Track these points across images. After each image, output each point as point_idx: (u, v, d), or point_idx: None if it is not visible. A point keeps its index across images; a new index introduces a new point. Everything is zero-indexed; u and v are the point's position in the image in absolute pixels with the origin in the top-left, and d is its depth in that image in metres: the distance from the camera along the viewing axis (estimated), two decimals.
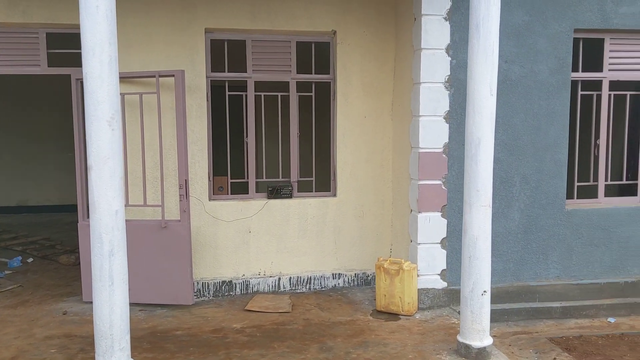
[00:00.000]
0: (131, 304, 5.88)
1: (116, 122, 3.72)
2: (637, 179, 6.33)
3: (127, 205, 5.83)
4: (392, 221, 6.54)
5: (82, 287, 5.92)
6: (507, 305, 5.89)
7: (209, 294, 6.21)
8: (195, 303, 5.96)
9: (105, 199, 3.74)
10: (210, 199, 6.20)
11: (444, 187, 5.77)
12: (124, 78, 5.68)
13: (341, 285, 6.52)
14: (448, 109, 5.67)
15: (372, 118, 6.43)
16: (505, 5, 5.65)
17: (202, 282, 6.20)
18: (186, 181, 5.67)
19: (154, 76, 5.64)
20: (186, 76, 5.92)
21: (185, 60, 5.96)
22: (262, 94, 6.39)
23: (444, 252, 5.84)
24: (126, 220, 5.74)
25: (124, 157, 5.83)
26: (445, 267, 5.85)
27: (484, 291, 4.54)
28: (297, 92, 6.35)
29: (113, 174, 3.75)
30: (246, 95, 6.24)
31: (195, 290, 6.16)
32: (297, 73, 6.32)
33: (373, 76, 6.37)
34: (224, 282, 6.25)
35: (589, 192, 6.31)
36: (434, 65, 5.60)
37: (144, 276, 5.76)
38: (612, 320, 5.88)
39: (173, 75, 5.61)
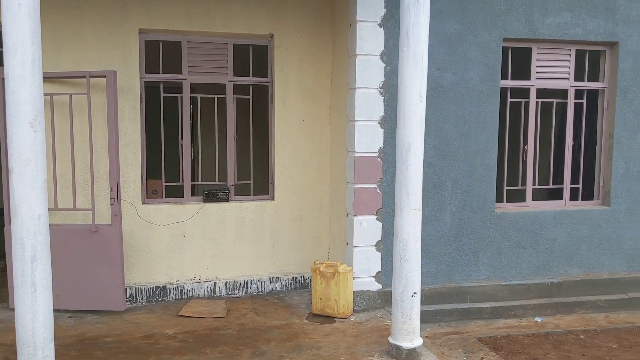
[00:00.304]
0: (61, 311, 5.75)
1: (39, 124, 3.60)
2: (562, 184, 6.60)
3: (55, 209, 5.67)
4: (330, 224, 6.59)
5: (9, 294, 5.70)
6: (440, 306, 6.03)
7: (142, 299, 6.08)
8: (127, 309, 5.83)
9: (27, 202, 3.61)
10: (143, 203, 6.09)
11: (379, 191, 5.86)
12: (52, 78, 5.52)
13: (279, 289, 6.51)
14: (383, 114, 5.76)
15: (310, 121, 6.46)
16: (438, 14, 5.80)
17: (135, 288, 6.07)
18: (117, 184, 5.54)
19: (84, 76, 5.50)
20: (119, 77, 5.79)
21: (118, 61, 5.82)
22: (199, 95, 6.32)
23: (379, 254, 5.92)
24: (55, 225, 5.63)
25: (53, 159, 5.68)
26: (380, 270, 5.93)
27: (414, 293, 4.63)
28: (234, 94, 6.31)
29: (35, 177, 3.62)
30: (182, 97, 6.16)
31: (128, 296, 6.02)
32: (234, 75, 6.29)
33: (311, 80, 6.40)
34: (157, 287, 6.14)
35: (518, 196, 6.54)
36: (368, 71, 5.68)
37: (74, 282, 5.60)
38: (538, 319, 6.10)
39: (104, 76, 5.48)
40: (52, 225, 5.64)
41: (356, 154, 5.76)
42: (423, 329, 5.45)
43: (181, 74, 6.12)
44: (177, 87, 6.19)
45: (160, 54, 6.12)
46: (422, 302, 5.93)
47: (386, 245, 5.89)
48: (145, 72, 6.05)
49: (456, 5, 5.86)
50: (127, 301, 5.96)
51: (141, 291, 6.09)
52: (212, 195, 6.24)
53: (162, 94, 6.20)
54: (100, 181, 5.87)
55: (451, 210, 6.10)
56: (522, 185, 6.50)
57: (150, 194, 6.39)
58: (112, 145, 5.50)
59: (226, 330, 5.27)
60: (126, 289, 5.98)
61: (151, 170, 6.44)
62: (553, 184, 6.73)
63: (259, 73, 6.43)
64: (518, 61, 6.35)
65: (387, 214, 5.87)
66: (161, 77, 6.11)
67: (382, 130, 5.78)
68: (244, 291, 6.38)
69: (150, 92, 6.21)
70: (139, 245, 6.07)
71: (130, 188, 6.00)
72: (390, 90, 5.71)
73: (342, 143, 6.09)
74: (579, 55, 6.46)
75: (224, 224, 6.27)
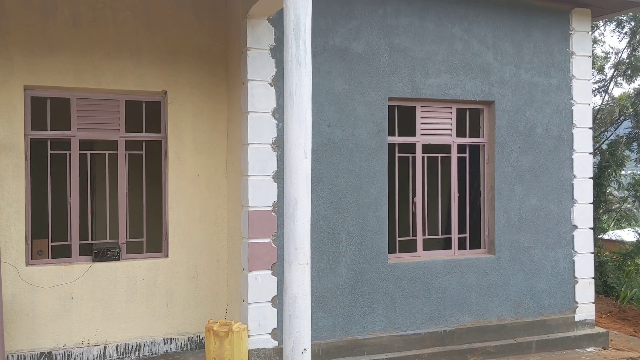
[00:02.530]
0: None
1: None
2: (450, 234, 6.92)
3: None
4: (228, 281, 6.52)
5: None
6: None
7: None
8: None
9: None
10: (27, 264, 5.79)
11: (274, 245, 5.90)
12: None
13: (174, 350, 6.31)
14: (276, 168, 5.87)
15: (206, 176, 6.46)
16: (327, 74, 6.06)
17: (18, 355, 5.70)
18: None
19: None
20: (2, 134, 5.60)
21: (1, 118, 5.62)
22: (88, 152, 6.18)
23: (275, 310, 5.91)
24: None
25: None
26: (276, 326, 5.91)
27: (304, 349, 4.62)
28: (126, 150, 6.23)
29: None
30: (70, 154, 6.00)
31: None
32: (126, 132, 6.22)
33: (206, 135, 6.44)
34: (42, 353, 5.79)
35: (410, 247, 6.77)
36: (261, 127, 5.81)
37: None
38: None
39: None
40: None
41: (250, 209, 5.79)
42: None
43: (70, 130, 5.99)
44: (66, 143, 6.03)
45: (48, 111, 5.97)
46: (319, 357, 5.98)
47: (282, 300, 5.87)
48: (32, 129, 5.87)
49: (344, 66, 6.15)
50: None
51: (24, 358, 5.73)
52: (102, 254, 6.03)
53: (49, 151, 6.02)
54: None
55: (346, 262, 6.22)
56: (413, 236, 6.75)
57: (35, 255, 6.09)
58: None
59: None
60: (7, 357, 5.59)
61: (37, 230, 6.17)
62: (442, 234, 7.03)
63: (153, 129, 6.40)
64: (404, 118, 6.70)
65: (282, 269, 5.88)
66: (49, 134, 5.95)
67: (276, 184, 5.88)
68: (137, 354, 6.13)
69: (37, 148, 6.02)
70: (23, 309, 5.74)
71: (13, 249, 5.71)
72: (282, 145, 5.84)
73: (237, 198, 6.12)
74: (460, 113, 6.92)
75: (114, 284, 6.06)
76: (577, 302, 7.16)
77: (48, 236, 6.14)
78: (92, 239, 6.29)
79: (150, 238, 6.53)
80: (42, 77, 5.76)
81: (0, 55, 5.64)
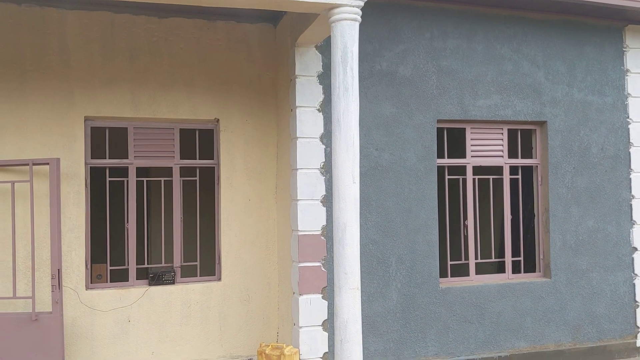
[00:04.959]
0: None
1: None
2: (504, 257, 6.78)
3: None
4: (279, 304, 6.58)
5: None
6: None
7: None
8: None
9: None
10: (87, 288, 6.01)
11: (323, 269, 5.93)
12: None
13: None
14: (325, 193, 5.93)
15: (257, 201, 6.58)
16: (374, 99, 6.10)
17: None
18: (59, 271, 5.50)
19: (27, 164, 5.55)
20: (64, 163, 5.86)
21: (63, 148, 5.91)
22: (145, 179, 6.40)
23: (326, 334, 5.91)
24: None
25: None
26: (327, 350, 5.91)
27: None
28: (180, 177, 6.42)
29: None
30: (127, 181, 6.24)
31: None
32: (180, 159, 6.42)
33: (257, 161, 6.57)
34: None
35: (462, 271, 6.67)
36: (309, 152, 5.89)
37: None
38: None
39: (48, 164, 5.55)
40: None
41: (299, 232, 5.86)
42: None
43: (127, 158, 6.23)
44: (123, 171, 6.27)
45: (107, 140, 6.23)
46: None
47: (332, 324, 5.90)
48: (91, 158, 6.14)
49: (391, 90, 6.18)
50: None
51: None
52: (158, 278, 6.20)
53: (108, 178, 6.27)
54: (43, 268, 5.81)
55: (397, 286, 6.18)
56: (465, 260, 6.65)
57: (95, 279, 6.33)
58: (54, 232, 5.49)
59: None
60: None
61: (97, 255, 6.41)
62: (495, 258, 6.89)
63: (206, 155, 6.58)
64: (453, 140, 6.66)
65: (332, 292, 5.91)
66: (107, 162, 6.20)
67: (325, 208, 5.93)
68: None
69: (96, 176, 6.28)
70: (82, 332, 5.94)
71: (73, 274, 5.94)
72: (330, 170, 5.90)
73: (287, 222, 6.20)
74: (511, 134, 6.82)
75: (169, 307, 6.21)
76: (638, 327, 6.88)
77: (107, 261, 6.37)
78: (148, 264, 6.47)
79: (204, 262, 6.68)
80: (101, 108, 6.04)
81: (62, 88, 5.95)
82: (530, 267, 6.92)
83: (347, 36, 4.62)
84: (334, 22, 4.69)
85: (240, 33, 6.52)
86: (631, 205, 6.91)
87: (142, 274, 6.64)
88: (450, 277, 6.56)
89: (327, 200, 5.92)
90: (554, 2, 6.43)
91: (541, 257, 6.81)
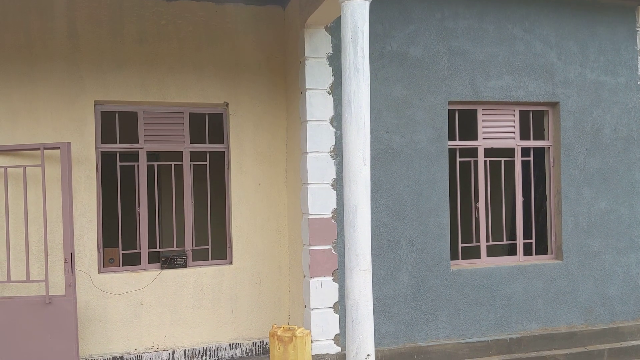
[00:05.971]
0: None
1: None
2: (515, 239, 6.75)
3: (8, 281, 5.62)
4: (290, 287, 6.60)
5: None
6: None
7: None
8: None
9: None
10: (99, 272, 6.05)
11: (334, 252, 5.93)
12: (6, 151, 5.58)
13: (239, 355, 6.43)
14: (335, 176, 5.91)
15: (267, 185, 6.57)
16: (385, 80, 6.05)
17: (92, 359, 5.95)
18: (72, 254, 5.53)
19: (38, 148, 5.57)
20: (74, 148, 5.88)
21: (73, 132, 5.92)
22: (155, 164, 6.41)
23: (337, 316, 5.93)
24: (8, 297, 5.57)
25: (6, 231, 5.66)
26: (338, 332, 5.93)
27: (368, 355, 4.63)
28: (190, 161, 6.42)
29: None
30: (138, 166, 6.25)
31: None
32: (190, 143, 6.42)
33: (266, 145, 6.56)
34: (114, 357, 6.03)
35: (473, 253, 6.65)
36: (319, 135, 5.86)
37: (27, 356, 5.48)
38: None
39: (59, 148, 5.56)
40: (4, 298, 5.60)
41: (310, 216, 5.85)
42: None
43: (138, 142, 6.23)
44: (134, 155, 6.28)
45: (117, 124, 6.24)
46: None
47: (343, 306, 5.91)
48: (102, 142, 6.15)
49: (402, 71, 6.13)
50: None
51: None
52: (170, 262, 6.23)
53: (118, 163, 6.29)
54: (56, 252, 5.85)
55: (407, 268, 6.17)
56: (476, 242, 6.63)
57: (107, 263, 6.36)
58: (66, 216, 5.52)
59: None
60: None
61: (108, 239, 6.44)
62: (507, 240, 6.87)
63: (216, 140, 6.57)
64: (465, 122, 6.61)
65: (343, 275, 5.90)
66: (118, 146, 6.21)
67: (335, 192, 5.92)
68: (203, 358, 6.29)
69: (107, 160, 6.29)
70: (96, 315, 6.00)
71: (86, 257, 5.98)
72: (341, 153, 5.88)
73: (297, 205, 6.20)
74: (523, 115, 6.76)
75: (182, 290, 6.24)
76: None
77: (119, 245, 6.40)
78: (160, 247, 6.50)
79: (215, 246, 6.70)
80: (111, 92, 6.03)
81: (72, 72, 5.95)
82: (541, 250, 6.90)
83: (357, 15, 4.57)
84: (344, 2, 4.63)
85: (249, 15, 6.47)
86: None
87: (153, 258, 6.68)
88: (462, 259, 6.54)
89: (338, 184, 5.90)
90: None
91: (553, 239, 6.78)
